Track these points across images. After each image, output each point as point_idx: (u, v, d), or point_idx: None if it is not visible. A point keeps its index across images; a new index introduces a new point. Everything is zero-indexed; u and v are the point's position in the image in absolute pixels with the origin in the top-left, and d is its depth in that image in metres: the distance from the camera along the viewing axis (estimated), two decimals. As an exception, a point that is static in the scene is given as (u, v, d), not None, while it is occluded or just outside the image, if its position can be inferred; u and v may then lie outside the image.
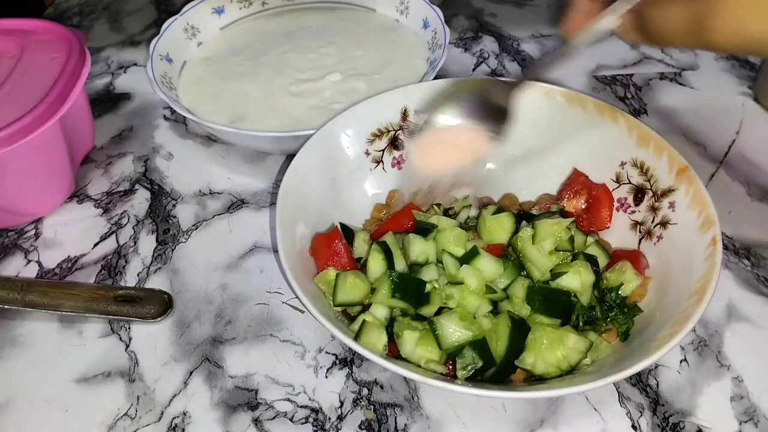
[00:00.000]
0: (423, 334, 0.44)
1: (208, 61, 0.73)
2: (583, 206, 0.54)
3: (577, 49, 0.44)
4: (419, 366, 0.43)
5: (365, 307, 0.47)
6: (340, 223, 0.53)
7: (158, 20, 0.88)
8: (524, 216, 0.51)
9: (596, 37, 0.43)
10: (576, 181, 0.55)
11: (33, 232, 0.60)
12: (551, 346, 0.43)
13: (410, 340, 0.43)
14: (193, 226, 0.60)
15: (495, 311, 0.46)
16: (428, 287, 0.46)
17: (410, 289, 0.45)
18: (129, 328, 0.52)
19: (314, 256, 0.50)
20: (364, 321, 0.45)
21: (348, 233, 0.52)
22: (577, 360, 0.43)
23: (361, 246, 0.51)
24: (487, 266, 0.46)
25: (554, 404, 0.46)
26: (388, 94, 0.57)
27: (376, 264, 0.48)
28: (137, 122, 0.72)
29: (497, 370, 0.43)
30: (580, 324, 0.46)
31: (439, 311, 0.46)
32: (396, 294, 0.44)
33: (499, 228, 0.49)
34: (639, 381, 0.47)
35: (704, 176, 0.62)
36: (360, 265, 0.50)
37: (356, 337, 0.44)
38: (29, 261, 0.58)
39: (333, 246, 0.49)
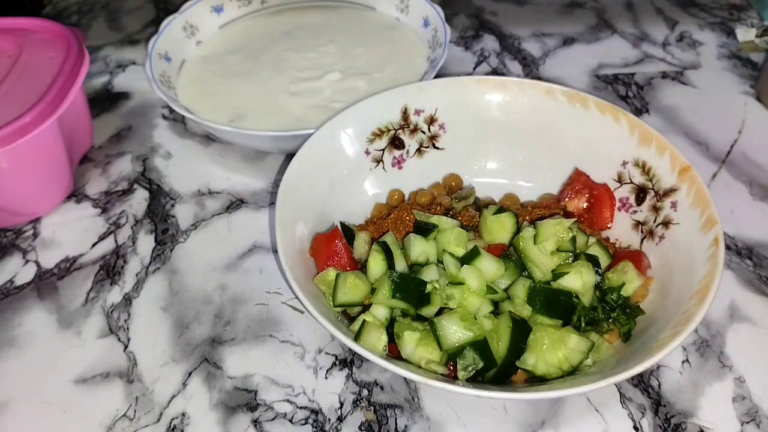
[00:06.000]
0: (423, 335, 0.43)
1: (207, 60, 0.73)
2: (585, 206, 0.54)
3: None
4: (420, 367, 0.43)
5: (365, 308, 0.47)
6: (341, 222, 0.53)
7: (157, 19, 0.88)
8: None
9: None
10: (577, 181, 0.54)
11: (31, 231, 0.60)
12: (552, 346, 0.43)
13: (411, 341, 0.43)
14: (192, 226, 0.60)
15: (496, 312, 0.46)
16: (429, 287, 0.46)
17: (411, 289, 0.45)
18: (128, 328, 0.51)
19: (314, 256, 0.50)
20: (364, 321, 0.44)
21: (348, 233, 0.51)
22: (579, 360, 0.43)
23: (361, 246, 0.51)
24: (488, 266, 0.46)
25: (555, 405, 0.45)
26: (389, 93, 0.57)
27: (377, 264, 0.47)
28: (136, 121, 0.72)
29: (498, 370, 0.43)
30: (582, 325, 0.45)
31: (440, 312, 0.45)
32: (396, 294, 0.44)
33: (500, 228, 0.49)
34: (641, 382, 0.47)
35: (706, 176, 0.62)
36: (360, 265, 0.50)
37: (356, 337, 0.43)
38: (27, 261, 0.57)
39: (333, 246, 0.49)
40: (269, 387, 0.47)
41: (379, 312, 0.45)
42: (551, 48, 0.80)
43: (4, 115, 0.53)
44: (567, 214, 0.53)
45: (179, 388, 0.47)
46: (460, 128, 0.58)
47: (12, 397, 0.47)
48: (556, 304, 0.45)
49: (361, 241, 0.51)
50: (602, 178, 0.54)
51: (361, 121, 0.56)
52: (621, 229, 0.53)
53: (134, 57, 0.81)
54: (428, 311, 0.45)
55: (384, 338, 0.44)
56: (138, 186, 0.64)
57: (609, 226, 0.54)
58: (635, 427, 0.44)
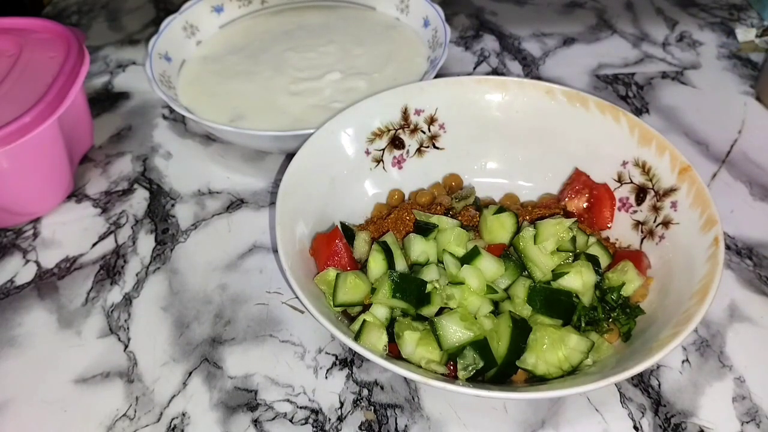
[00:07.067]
0: (424, 335, 0.43)
1: (207, 60, 0.73)
2: (585, 206, 0.54)
3: None
4: (420, 366, 0.43)
5: (365, 308, 0.47)
6: (341, 222, 0.53)
7: (157, 19, 0.88)
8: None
9: None
10: (577, 181, 0.54)
11: (31, 231, 0.60)
12: (552, 346, 0.43)
13: (411, 341, 0.43)
14: (192, 225, 0.60)
15: (496, 312, 0.46)
16: (429, 287, 0.46)
17: (411, 289, 0.45)
18: (128, 328, 0.51)
19: (314, 256, 0.50)
20: (364, 321, 0.44)
21: (348, 233, 0.51)
22: (579, 360, 0.43)
23: (361, 246, 0.51)
24: (489, 266, 0.46)
25: (555, 405, 0.45)
26: (389, 93, 0.57)
27: (377, 264, 0.47)
28: (136, 121, 0.72)
29: (498, 370, 0.43)
30: (582, 325, 0.45)
31: (440, 311, 0.45)
32: (396, 294, 0.44)
33: (500, 228, 0.49)
34: (641, 381, 0.47)
35: (706, 176, 0.62)
36: (360, 265, 0.50)
37: (356, 337, 0.43)
38: (27, 261, 0.57)
39: (333, 246, 0.49)
40: (269, 387, 0.47)
41: (380, 312, 0.45)
42: (551, 48, 0.80)
43: (4, 114, 0.53)
44: (567, 214, 0.53)
45: (179, 387, 0.47)
46: (460, 128, 0.58)
47: (12, 397, 0.47)
48: (556, 304, 0.45)
49: (362, 241, 0.51)
50: (602, 178, 0.54)
51: (361, 121, 0.56)
52: (621, 229, 0.53)
53: (134, 57, 0.81)
54: (428, 311, 0.45)
55: (384, 338, 0.44)
56: (138, 186, 0.64)
57: (609, 226, 0.54)
58: (635, 427, 0.44)
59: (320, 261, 0.49)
